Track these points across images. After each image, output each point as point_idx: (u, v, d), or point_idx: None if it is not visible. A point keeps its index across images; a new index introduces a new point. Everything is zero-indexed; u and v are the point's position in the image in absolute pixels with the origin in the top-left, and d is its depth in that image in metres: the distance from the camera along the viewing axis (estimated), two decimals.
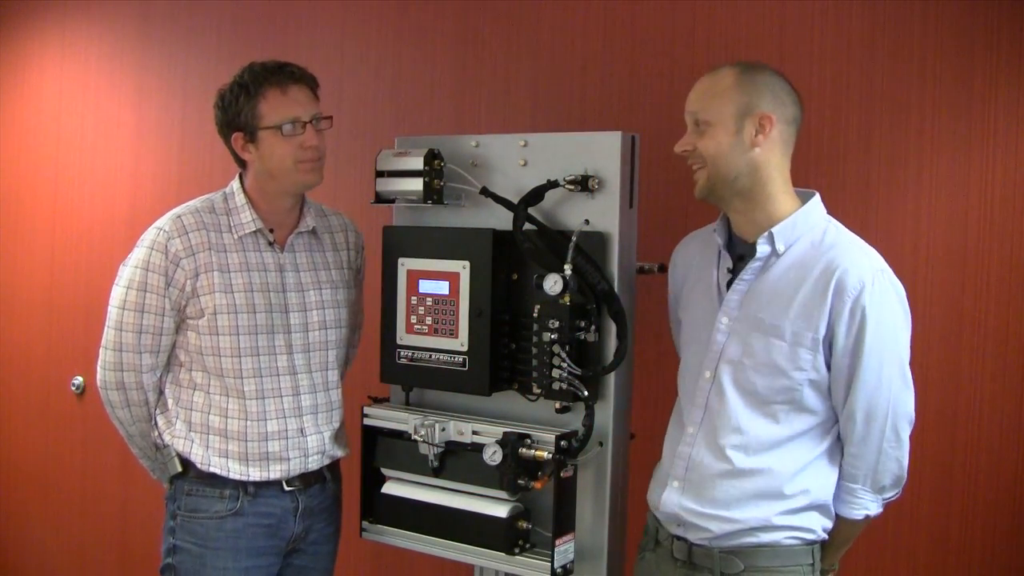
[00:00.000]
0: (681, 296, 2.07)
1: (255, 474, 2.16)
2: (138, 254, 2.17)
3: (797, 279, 1.82)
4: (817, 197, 1.91)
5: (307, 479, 2.24)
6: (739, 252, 1.92)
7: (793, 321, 1.81)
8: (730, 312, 1.89)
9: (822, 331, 1.79)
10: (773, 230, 1.85)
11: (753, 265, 1.87)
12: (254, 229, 2.20)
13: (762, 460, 1.84)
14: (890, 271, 1.83)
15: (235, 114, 2.15)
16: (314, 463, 2.24)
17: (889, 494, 1.89)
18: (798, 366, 1.81)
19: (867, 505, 1.88)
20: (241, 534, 2.17)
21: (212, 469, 2.16)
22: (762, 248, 1.86)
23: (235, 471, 2.16)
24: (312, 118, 2.15)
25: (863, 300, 1.77)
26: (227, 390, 2.17)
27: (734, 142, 1.83)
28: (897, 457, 1.84)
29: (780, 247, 1.85)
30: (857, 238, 1.88)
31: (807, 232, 1.86)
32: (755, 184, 1.86)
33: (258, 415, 2.17)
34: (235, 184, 2.24)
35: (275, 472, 2.18)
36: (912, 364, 1.85)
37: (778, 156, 1.86)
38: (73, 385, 3.65)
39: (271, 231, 2.22)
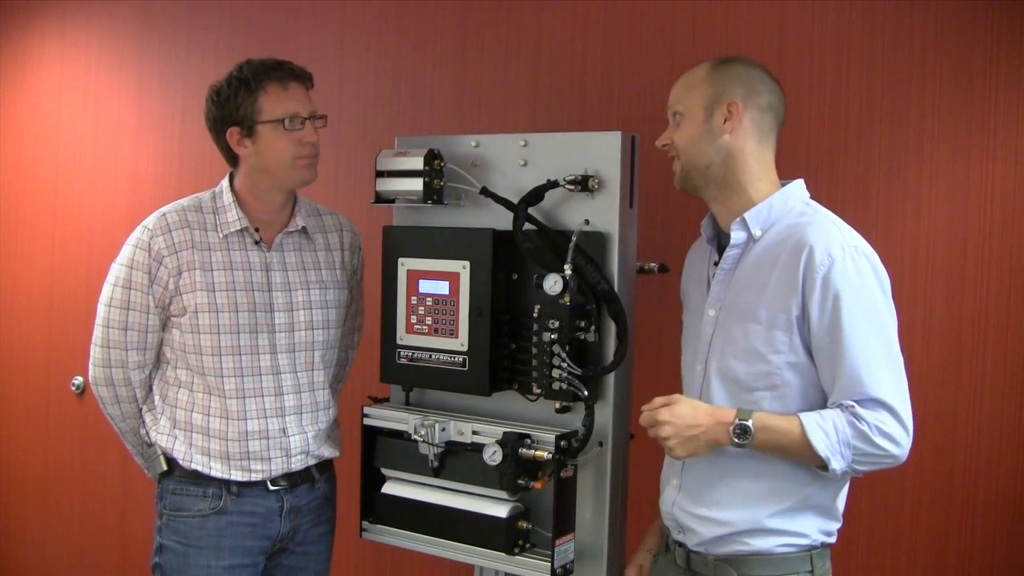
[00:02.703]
0: (685, 297, 2.07)
1: (236, 474, 2.18)
2: (124, 252, 2.21)
3: (771, 261, 1.79)
4: (799, 182, 1.89)
5: (293, 479, 2.24)
6: (723, 244, 1.91)
7: (768, 303, 1.78)
8: (715, 303, 1.88)
9: (795, 311, 1.75)
10: (746, 214, 1.83)
11: (731, 253, 1.86)
12: (239, 228, 2.20)
13: (749, 455, 1.78)
14: (865, 246, 1.77)
15: (233, 108, 2.16)
16: (297, 463, 2.24)
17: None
18: (775, 349, 1.77)
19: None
20: (224, 533, 2.18)
21: (194, 466, 2.18)
22: (736, 234, 1.84)
23: (216, 469, 2.17)
24: (310, 115, 2.17)
25: (834, 275, 1.71)
26: (209, 388, 2.18)
27: (703, 130, 1.85)
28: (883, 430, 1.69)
29: (756, 232, 1.83)
30: (834, 216, 1.83)
31: (785, 215, 1.84)
32: (729, 171, 1.85)
33: (238, 414, 2.17)
34: (224, 183, 2.25)
35: (256, 473, 2.19)
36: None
37: (752, 143, 1.85)
38: (73, 385, 3.64)
39: (257, 230, 2.22)
